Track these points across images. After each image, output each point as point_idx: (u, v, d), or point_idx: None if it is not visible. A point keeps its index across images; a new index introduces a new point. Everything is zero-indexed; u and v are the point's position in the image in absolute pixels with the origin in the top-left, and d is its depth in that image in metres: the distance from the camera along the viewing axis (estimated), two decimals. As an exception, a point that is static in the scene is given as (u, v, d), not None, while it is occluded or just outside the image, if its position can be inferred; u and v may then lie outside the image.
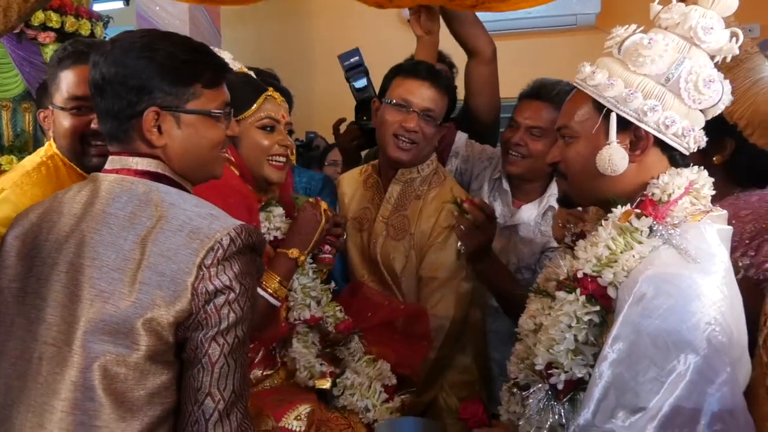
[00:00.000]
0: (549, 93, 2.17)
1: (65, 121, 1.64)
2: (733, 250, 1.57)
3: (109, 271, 1.18)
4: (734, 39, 1.28)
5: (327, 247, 1.89)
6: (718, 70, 1.31)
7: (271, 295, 1.67)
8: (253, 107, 1.73)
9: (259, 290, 1.64)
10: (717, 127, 1.65)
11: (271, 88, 1.79)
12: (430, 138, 2.07)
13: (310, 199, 1.82)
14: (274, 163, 1.77)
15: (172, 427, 1.21)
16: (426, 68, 2.11)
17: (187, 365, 1.20)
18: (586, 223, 1.46)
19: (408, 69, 2.14)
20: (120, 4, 4.39)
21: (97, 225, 1.22)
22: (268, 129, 1.76)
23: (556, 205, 2.15)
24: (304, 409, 1.62)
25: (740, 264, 1.50)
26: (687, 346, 1.12)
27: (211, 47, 1.41)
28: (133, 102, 1.25)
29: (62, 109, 1.64)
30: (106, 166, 1.31)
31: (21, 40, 3.41)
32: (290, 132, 1.84)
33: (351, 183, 2.31)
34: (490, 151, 2.43)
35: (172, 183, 1.29)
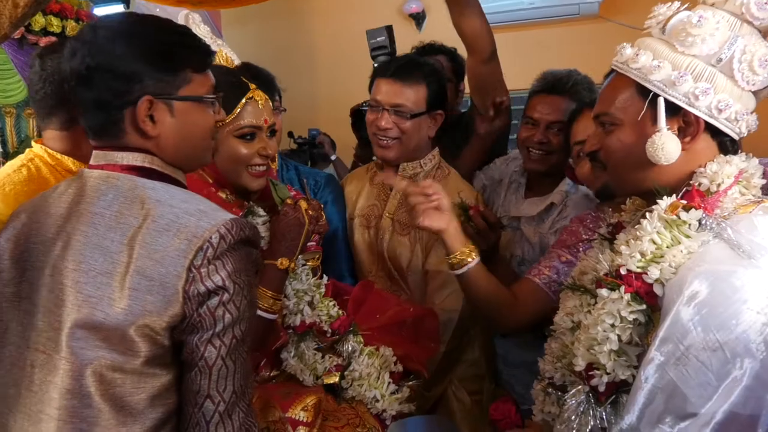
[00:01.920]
0: (564, 86, 2.16)
1: None
2: None
3: (97, 275, 1.13)
4: None
5: (312, 243, 1.82)
6: None
7: (265, 311, 1.60)
8: (231, 115, 1.61)
9: None
10: None
11: (253, 86, 1.66)
12: (410, 131, 2.09)
13: (289, 200, 1.72)
14: (253, 171, 1.67)
15: (175, 427, 1.18)
16: (395, 65, 2.12)
17: (185, 368, 1.16)
18: (623, 214, 1.38)
19: (378, 69, 2.21)
20: (120, 7, 4.34)
21: (82, 226, 1.17)
22: (248, 137, 1.65)
23: (558, 201, 2.17)
24: (311, 400, 1.60)
25: None
26: (743, 350, 1.04)
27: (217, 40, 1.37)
28: (123, 91, 1.19)
29: None
30: (91, 162, 1.26)
31: (22, 46, 3.39)
32: (273, 132, 1.73)
33: (357, 181, 2.35)
34: (511, 155, 2.44)
35: (161, 176, 1.24)
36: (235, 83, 1.64)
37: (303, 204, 1.71)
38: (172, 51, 1.22)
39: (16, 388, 1.17)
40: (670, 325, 1.10)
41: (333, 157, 3.85)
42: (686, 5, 1.24)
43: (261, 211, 1.72)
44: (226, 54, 1.79)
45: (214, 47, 1.74)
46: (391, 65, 2.14)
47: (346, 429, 1.62)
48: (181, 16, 1.80)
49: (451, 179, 2.18)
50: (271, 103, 1.71)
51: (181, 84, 1.23)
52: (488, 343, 2.25)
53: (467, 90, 2.80)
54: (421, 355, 1.90)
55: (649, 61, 1.23)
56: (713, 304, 1.07)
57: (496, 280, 1.75)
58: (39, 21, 3.27)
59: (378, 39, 2.64)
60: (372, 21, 4.65)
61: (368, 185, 2.29)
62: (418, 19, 4.78)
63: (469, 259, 1.70)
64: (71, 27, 3.45)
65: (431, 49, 2.82)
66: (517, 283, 1.81)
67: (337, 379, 1.72)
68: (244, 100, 1.63)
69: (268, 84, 1.77)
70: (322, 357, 1.76)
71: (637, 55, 1.25)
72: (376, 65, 2.57)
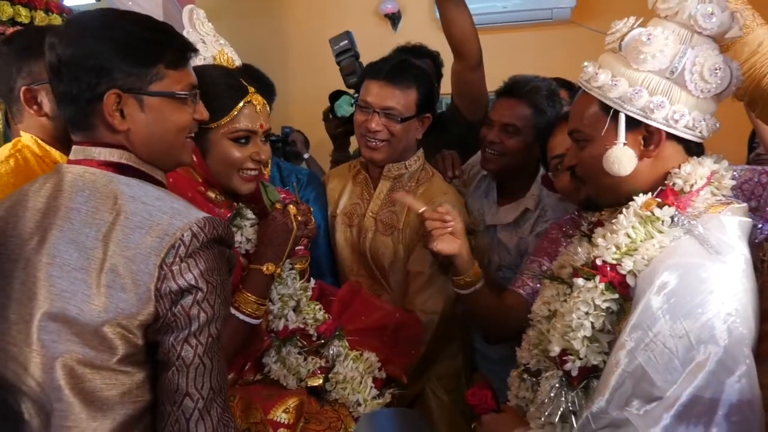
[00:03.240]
0: (521, 89, 2.21)
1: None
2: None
3: (71, 270, 1.12)
4: (737, 20, 1.27)
5: (300, 247, 1.83)
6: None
7: (245, 314, 1.59)
8: (228, 116, 1.58)
9: (236, 312, 1.57)
10: None
11: (252, 90, 1.63)
12: (400, 134, 2.09)
13: (278, 205, 1.71)
14: (244, 175, 1.64)
15: (148, 425, 1.18)
16: (387, 67, 2.11)
17: (161, 367, 1.16)
18: (603, 214, 1.45)
19: (368, 70, 2.18)
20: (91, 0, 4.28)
21: (59, 221, 1.16)
22: (242, 141, 1.61)
23: (532, 206, 2.21)
24: (292, 402, 1.59)
25: None
26: (708, 337, 1.12)
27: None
28: (92, 84, 1.18)
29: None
30: (70, 157, 1.25)
31: None
32: (267, 137, 1.70)
33: (340, 178, 2.34)
34: (471, 162, 2.48)
35: (138, 173, 1.23)
36: (233, 85, 1.62)
37: (292, 209, 1.70)
38: (143, 46, 1.21)
39: None
40: (641, 313, 1.17)
41: (306, 156, 3.85)
42: (641, 20, 1.31)
43: (249, 214, 1.71)
44: (228, 54, 1.77)
45: (216, 47, 1.73)
46: (383, 67, 2.12)
47: None
48: (185, 11, 1.76)
49: (435, 182, 2.19)
50: (268, 108, 1.69)
51: (153, 79, 1.21)
52: (466, 340, 2.27)
53: (443, 91, 2.82)
54: (401, 361, 1.91)
55: (608, 79, 1.30)
56: (681, 294, 1.15)
57: (495, 297, 1.82)
58: (6, 11, 3.14)
59: (341, 44, 2.66)
60: (348, 20, 4.68)
61: (351, 183, 2.28)
62: (394, 19, 4.83)
63: (477, 280, 1.77)
64: (40, 17, 3.31)
65: (417, 51, 2.83)
66: (504, 294, 1.87)
67: (321, 382, 1.71)
68: (241, 104, 1.60)
69: (267, 88, 1.74)
70: (305, 360, 1.75)
71: (596, 73, 1.32)
72: (342, 70, 2.60)
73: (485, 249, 2.25)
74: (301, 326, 1.76)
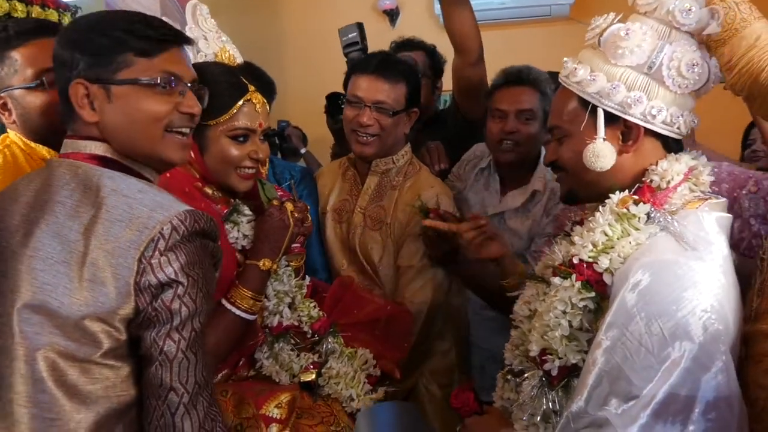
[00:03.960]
0: (527, 76, 2.21)
1: (36, 99, 1.58)
2: None
3: (54, 263, 1.13)
4: (716, 16, 1.25)
5: (296, 245, 1.83)
6: (714, 45, 1.27)
7: (241, 309, 1.58)
8: (227, 114, 1.59)
9: (232, 308, 1.58)
10: None
11: (252, 88, 1.63)
12: (390, 128, 2.10)
13: (275, 202, 1.71)
14: (242, 173, 1.65)
15: (134, 420, 1.18)
16: (375, 61, 2.12)
17: (145, 363, 1.15)
18: (585, 211, 1.45)
19: (357, 65, 2.18)
20: (93, -5, 4.27)
21: (45, 214, 1.17)
22: (241, 139, 1.62)
23: (541, 188, 2.20)
24: (285, 397, 1.59)
25: None
26: (682, 334, 1.12)
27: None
28: (65, 77, 1.21)
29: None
30: (61, 150, 1.26)
31: None
32: (266, 136, 1.71)
33: (330, 175, 2.36)
34: (478, 150, 2.45)
35: (123, 168, 1.22)
36: (234, 83, 1.62)
37: (289, 206, 1.70)
38: (108, 35, 1.20)
39: None
40: (616, 311, 1.17)
41: (303, 150, 3.84)
42: (620, 15, 1.32)
43: (246, 210, 1.71)
44: (230, 52, 1.77)
45: (217, 43, 1.74)
46: (371, 61, 2.13)
47: (320, 427, 1.62)
48: (189, 6, 1.76)
49: (422, 175, 2.20)
50: (267, 107, 1.69)
51: (119, 68, 1.20)
52: (460, 334, 2.27)
53: (445, 87, 2.83)
54: (394, 355, 1.91)
55: (586, 75, 1.31)
56: (655, 292, 1.15)
57: None
58: (3, 6, 3.15)
59: (350, 36, 2.66)
60: (345, 16, 4.66)
61: (340, 180, 2.30)
62: (392, 15, 4.81)
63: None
64: (37, 13, 3.31)
65: (410, 44, 2.83)
66: None
67: (314, 377, 1.71)
68: (241, 102, 1.60)
69: (267, 87, 1.74)
70: (298, 355, 1.76)
71: (575, 68, 1.33)
72: (349, 61, 2.59)
73: None
74: (296, 323, 1.77)
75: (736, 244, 1.48)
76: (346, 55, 2.66)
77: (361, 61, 2.20)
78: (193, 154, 1.58)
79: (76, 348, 1.11)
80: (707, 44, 1.29)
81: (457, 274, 2.11)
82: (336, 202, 2.27)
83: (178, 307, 1.13)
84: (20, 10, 3.29)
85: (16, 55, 1.58)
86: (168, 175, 1.51)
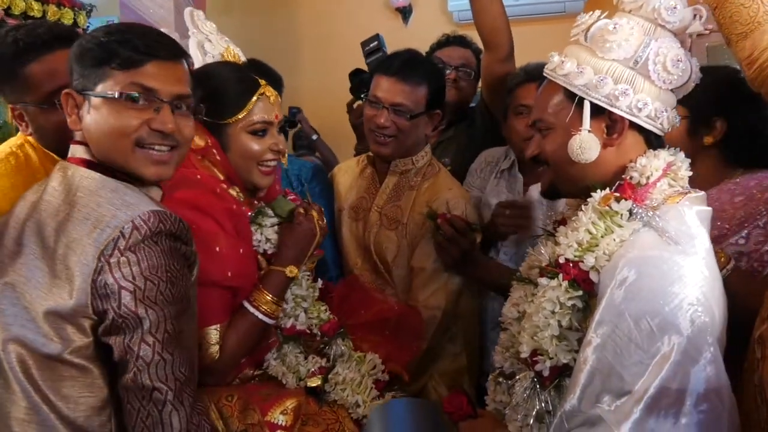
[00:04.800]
0: None
1: (51, 117, 1.56)
2: (721, 239, 1.57)
3: (34, 259, 1.18)
4: (698, 16, 1.29)
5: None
6: (735, 39, 1.26)
7: (263, 313, 1.61)
8: (244, 110, 1.63)
9: (252, 309, 1.60)
10: (705, 108, 1.65)
11: (263, 83, 1.66)
12: (407, 130, 2.09)
13: (301, 209, 1.75)
14: (263, 168, 1.69)
15: (111, 416, 1.21)
16: (398, 63, 2.11)
17: (120, 370, 1.17)
18: (568, 210, 1.46)
19: (380, 65, 2.18)
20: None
21: (35, 213, 1.23)
22: (260, 133, 1.66)
23: None
24: (290, 403, 1.59)
25: (729, 253, 1.51)
26: (670, 328, 1.13)
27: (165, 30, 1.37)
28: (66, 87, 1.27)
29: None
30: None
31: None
32: (281, 128, 1.76)
33: (347, 173, 2.36)
34: (489, 157, 2.42)
35: (107, 171, 1.25)
36: (246, 80, 1.65)
37: (315, 214, 1.75)
38: (95, 47, 1.23)
39: None
40: (604, 309, 1.18)
41: (315, 137, 3.82)
42: (606, 12, 1.34)
43: (270, 213, 1.75)
44: (234, 51, 1.80)
45: (222, 43, 1.77)
46: (394, 62, 2.12)
47: None
48: (186, 13, 1.79)
49: (441, 177, 2.19)
50: (279, 99, 1.73)
51: (99, 80, 1.22)
52: (472, 338, 2.24)
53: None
54: (403, 357, 1.91)
55: (573, 68, 1.33)
56: (642, 288, 1.16)
57: None
58: (19, 5, 3.19)
59: (371, 45, 2.72)
60: (358, 13, 4.71)
61: (358, 178, 2.30)
62: (405, 12, 4.83)
63: None
64: (52, 12, 3.36)
65: (462, 41, 2.81)
66: None
67: (320, 383, 1.72)
68: (255, 97, 1.63)
69: (275, 80, 1.76)
70: (305, 359, 1.76)
71: (563, 62, 1.35)
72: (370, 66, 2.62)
73: (514, 239, 2.19)
74: (308, 330, 1.78)
75: (749, 253, 1.51)
76: (368, 63, 2.69)
77: (385, 60, 2.19)
78: (217, 155, 1.63)
79: (42, 343, 1.14)
80: (727, 38, 1.28)
81: (470, 276, 2.09)
82: (353, 200, 2.26)
83: (144, 311, 1.14)
84: (36, 9, 3.33)
85: (28, 73, 1.55)
86: (198, 176, 1.56)
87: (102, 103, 1.23)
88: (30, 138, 1.67)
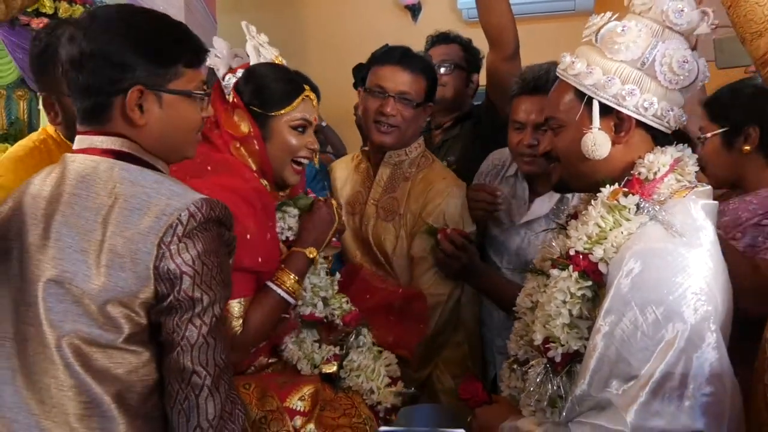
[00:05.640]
0: (545, 84, 2.04)
1: None
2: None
3: (72, 252, 1.18)
4: (705, 18, 1.33)
5: (334, 239, 1.93)
6: (749, 38, 1.26)
7: (286, 292, 1.68)
8: (290, 106, 1.75)
9: (276, 288, 1.66)
10: (737, 119, 1.74)
11: (307, 87, 1.80)
12: (410, 120, 2.13)
13: (321, 198, 1.85)
14: (296, 166, 1.78)
15: (157, 403, 1.23)
16: (398, 53, 2.16)
17: (167, 349, 1.20)
18: (579, 205, 1.51)
19: (381, 56, 2.20)
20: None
21: (62, 206, 1.22)
22: (300, 130, 1.77)
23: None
24: (308, 390, 1.64)
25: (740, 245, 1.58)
26: (675, 316, 1.18)
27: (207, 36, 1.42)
28: (115, 79, 1.24)
29: None
30: (75, 146, 1.30)
31: (14, 27, 3.37)
32: (315, 131, 1.86)
33: (343, 168, 2.40)
34: (496, 159, 2.39)
35: (138, 161, 1.27)
36: (295, 80, 1.80)
37: (334, 203, 1.86)
38: (166, 45, 1.28)
39: (11, 360, 1.22)
40: (612, 298, 1.24)
41: (323, 123, 3.84)
42: (616, 15, 1.39)
43: (293, 205, 1.84)
44: (282, 60, 1.93)
45: (272, 51, 1.93)
46: (394, 53, 2.16)
47: (343, 419, 1.67)
48: (243, 25, 1.97)
49: (435, 167, 2.23)
50: (318, 105, 1.86)
51: (172, 78, 1.28)
52: (473, 328, 2.27)
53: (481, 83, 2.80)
54: (410, 340, 1.97)
55: (583, 68, 1.38)
56: (647, 278, 1.22)
57: None
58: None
59: None
60: (368, 11, 4.72)
61: (353, 173, 2.33)
62: (414, 10, 4.82)
63: None
64: (64, 8, 3.38)
65: (445, 38, 2.83)
66: None
67: (335, 369, 1.78)
68: (301, 97, 1.77)
69: (315, 89, 1.89)
70: (320, 347, 1.83)
71: (573, 62, 1.40)
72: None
73: (517, 250, 2.19)
74: (326, 318, 1.85)
75: None
76: None
77: (384, 52, 2.22)
78: (257, 145, 1.73)
79: (98, 334, 1.17)
80: (742, 37, 1.29)
81: (472, 286, 2.14)
82: (349, 195, 2.30)
83: (200, 295, 1.19)
84: (48, 6, 3.37)
85: None
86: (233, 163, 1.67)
87: (177, 100, 1.30)
88: (52, 132, 1.75)
